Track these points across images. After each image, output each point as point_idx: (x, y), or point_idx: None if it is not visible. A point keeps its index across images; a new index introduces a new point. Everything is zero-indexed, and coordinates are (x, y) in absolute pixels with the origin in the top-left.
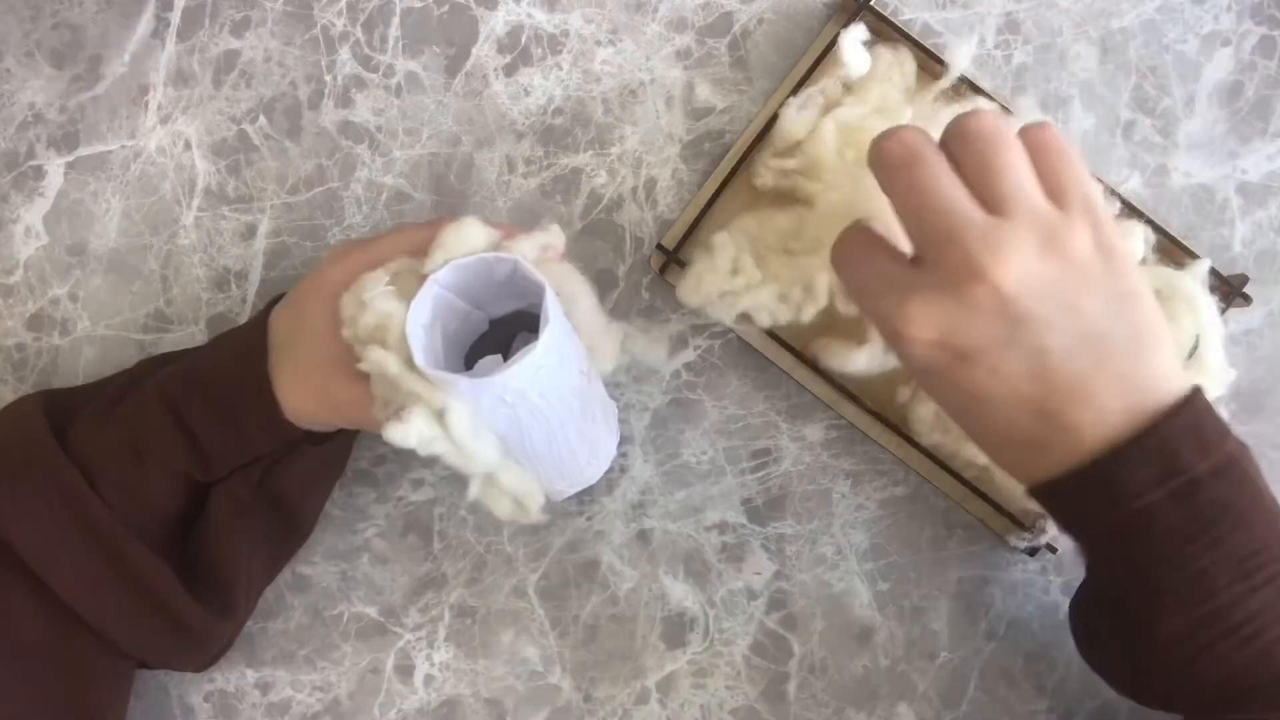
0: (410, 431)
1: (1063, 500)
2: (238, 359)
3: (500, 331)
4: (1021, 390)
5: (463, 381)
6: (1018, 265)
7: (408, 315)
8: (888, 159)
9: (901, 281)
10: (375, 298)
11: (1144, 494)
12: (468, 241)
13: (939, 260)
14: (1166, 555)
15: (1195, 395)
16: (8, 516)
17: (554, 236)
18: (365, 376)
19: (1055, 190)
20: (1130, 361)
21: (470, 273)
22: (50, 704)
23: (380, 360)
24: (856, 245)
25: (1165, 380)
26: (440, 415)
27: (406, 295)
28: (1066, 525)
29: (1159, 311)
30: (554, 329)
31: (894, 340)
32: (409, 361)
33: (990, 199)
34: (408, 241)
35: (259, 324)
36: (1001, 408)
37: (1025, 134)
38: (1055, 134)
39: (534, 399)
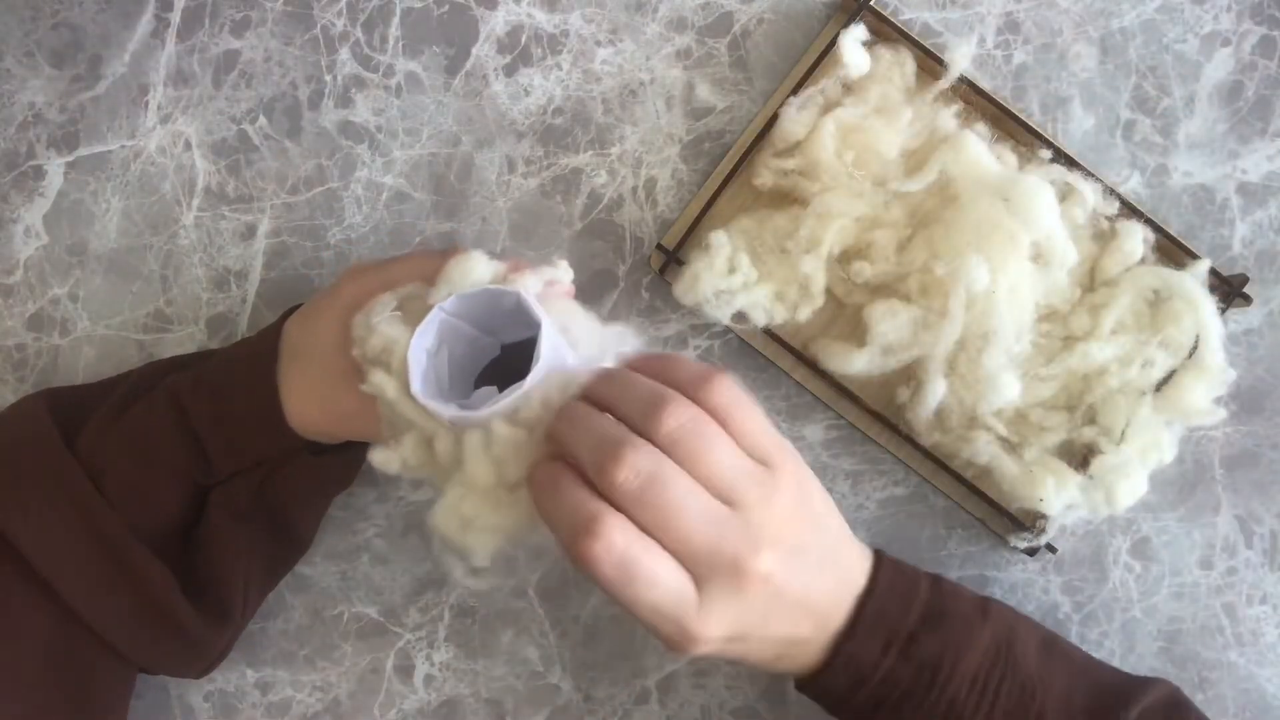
0: (393, 459)
1: (825, 689)
2: (248, 362)
3: (516, 355)
4: (781, 634)
5: (448, 412)
6: (768, 551)
7: (411, 342)
8: (625, 491)
9: (687, 595)
10: (382, 322)
11: (879, 664)
12: (471, 276)
13: (712, 569)
14: (916, 700)
15: (880, 559)
16: (14, 518)
17: (561, 272)
18: (370, 395)
19: (754, 449)
20: (835, 564)
21: (476, 302)
22: (52, 705)
23: (380, 384)
24: (625, 561)
25: (859, 562)
26: (430, 443)
27: (414, 320)
28: (835, 710)
29: (832, 506)
30: (542, 368)
31: (677, 647)
32: (406, 388)
33: (718, 491)
34: (422, 267)
35: (273, 331)
36: (766, 647)
37: (706, 401)
38: (728, 390)
39: None
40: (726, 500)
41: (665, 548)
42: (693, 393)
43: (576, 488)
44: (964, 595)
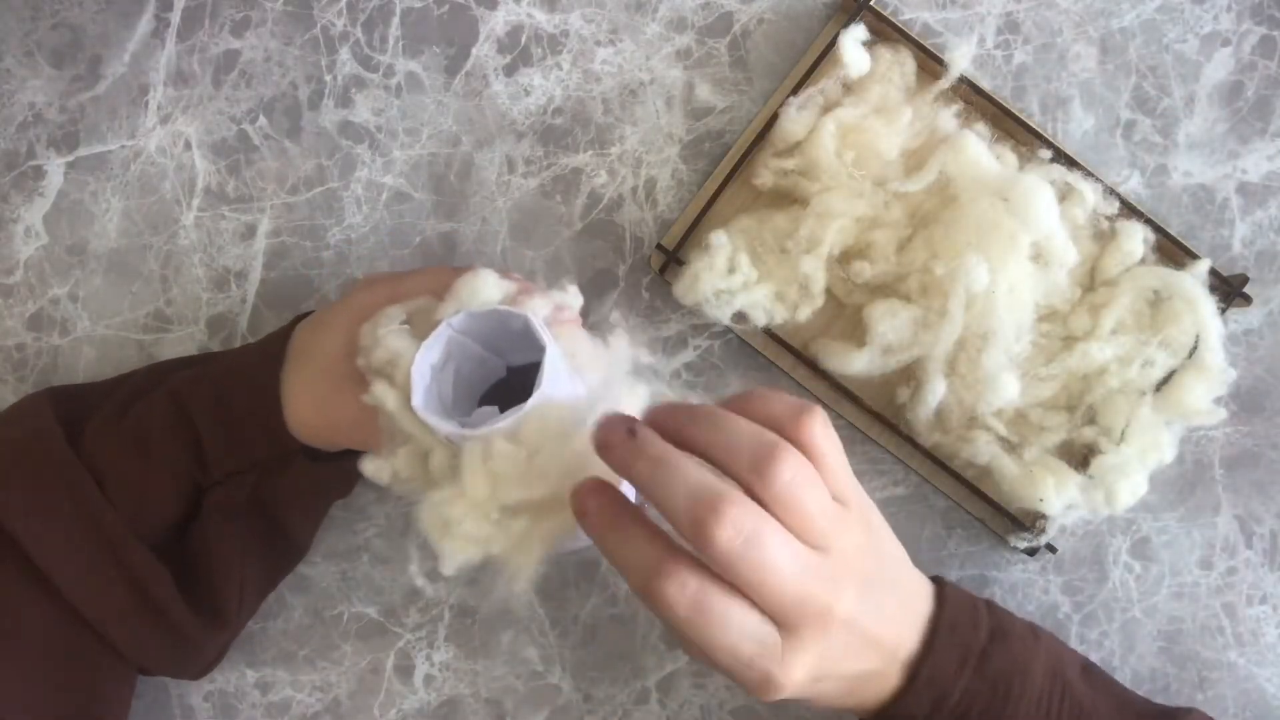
0: (385, 470)
1: (904, 715)
2: (253, 363)
3: (522, 378)
4: (855, 670)
5: (447, 428)
6: (850, 590)
7: (416, 356)
8: (725, 551)
9: (771, 642)
10: (389, 334)
11: (957, 682)
12: (480, 294)
13: (799, 617)
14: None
15: (941, 583)
16: (16, 514)
17: (570, 297)
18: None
19: (838, 490)
20: (901, 595)
21: (484, 322)
22: (54, 701)
23: (381, 396)
24: (700, 605)
25: (922, 587)
26: (425, 457)
27: (421, 334)
28: None
29: (893, 536)
30: (544, 392)
31: (760, 692)
32: (408, 401)
33: (810, 539)
34: (434, 282)
35: (282, 335)
36: (841, 685)
37: (805, 442)
38: (825, 430)
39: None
40: (817, 546)
41: (756, 604)
42: (792, 432)
43: (641, 524)
44: (1015, 617)
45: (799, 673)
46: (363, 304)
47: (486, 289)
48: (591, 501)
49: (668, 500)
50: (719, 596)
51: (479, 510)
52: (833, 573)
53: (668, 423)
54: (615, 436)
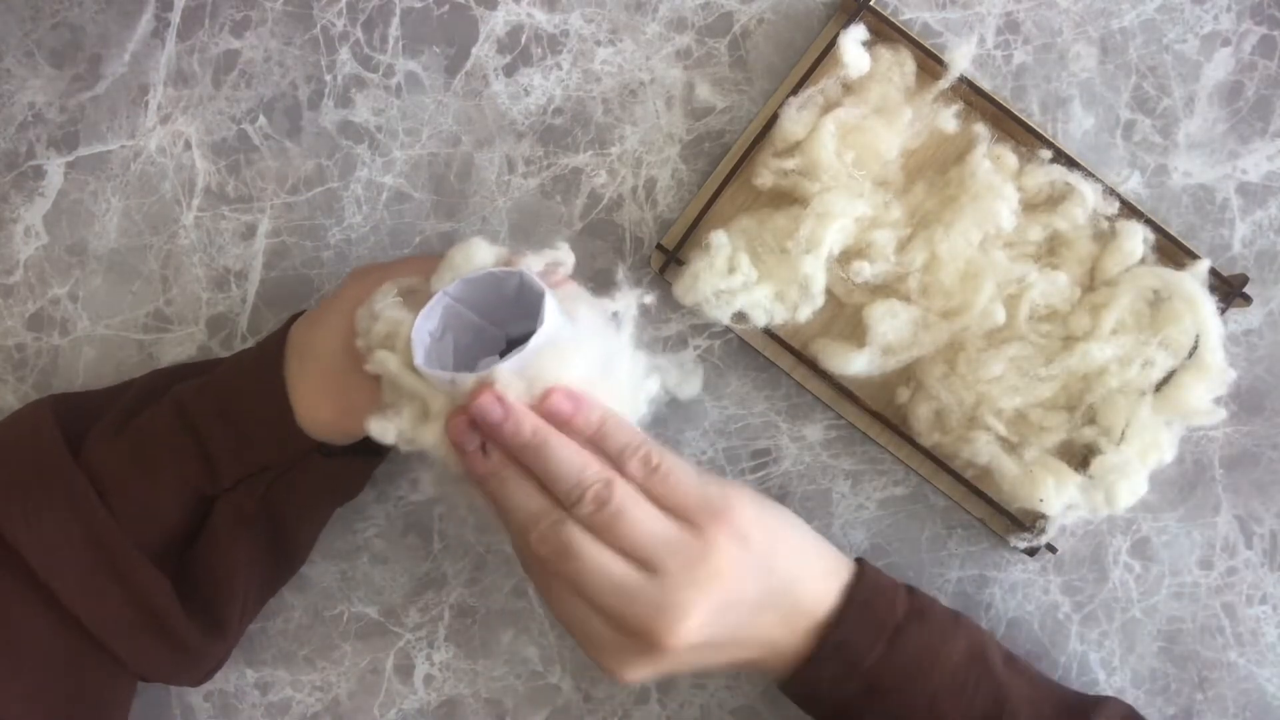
0: (390, 428)
1: (811, 681)
2: (255, 367)
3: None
4: (724, 664)
5: (449, 377)
6: (686, 619)
7: (414, 322)
8: (543, 562)
9: (606, 640)
10: (386, 307)
11: (870, 651)
12: (474, 259)
13: (632, 634)
14: (905, 692)
15: (862, 564)
16: (17, 523)
17: (563, 255)
18: (378, 384)
19: (681, 513)
20: (785, 601)
21: (480, 287)
22: (53, 708)
23: (383, 360)
24: (553, 583)
25: (825, 582)
26: (430, 416)
27: (416, 308)
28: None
29: (783, 540)
30: (546, 330)
31: (608, 677)
32: (410, 363)
33: (638, 560)
34: (424, 267)
35: (279, 336)
36: (716, 669)
37: (628, 469)
38: (651, 457)
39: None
40: (649, 568)
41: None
42: (616, 462)
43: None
44: (937, 603)
45: (634, 674)
46: (355, 295)
47: (480, 254)
48: (478, 467)
49: (505, 515)
50: (558, 583)
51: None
52: (660, 597)
53: (505, 441)
54: (469, 446)
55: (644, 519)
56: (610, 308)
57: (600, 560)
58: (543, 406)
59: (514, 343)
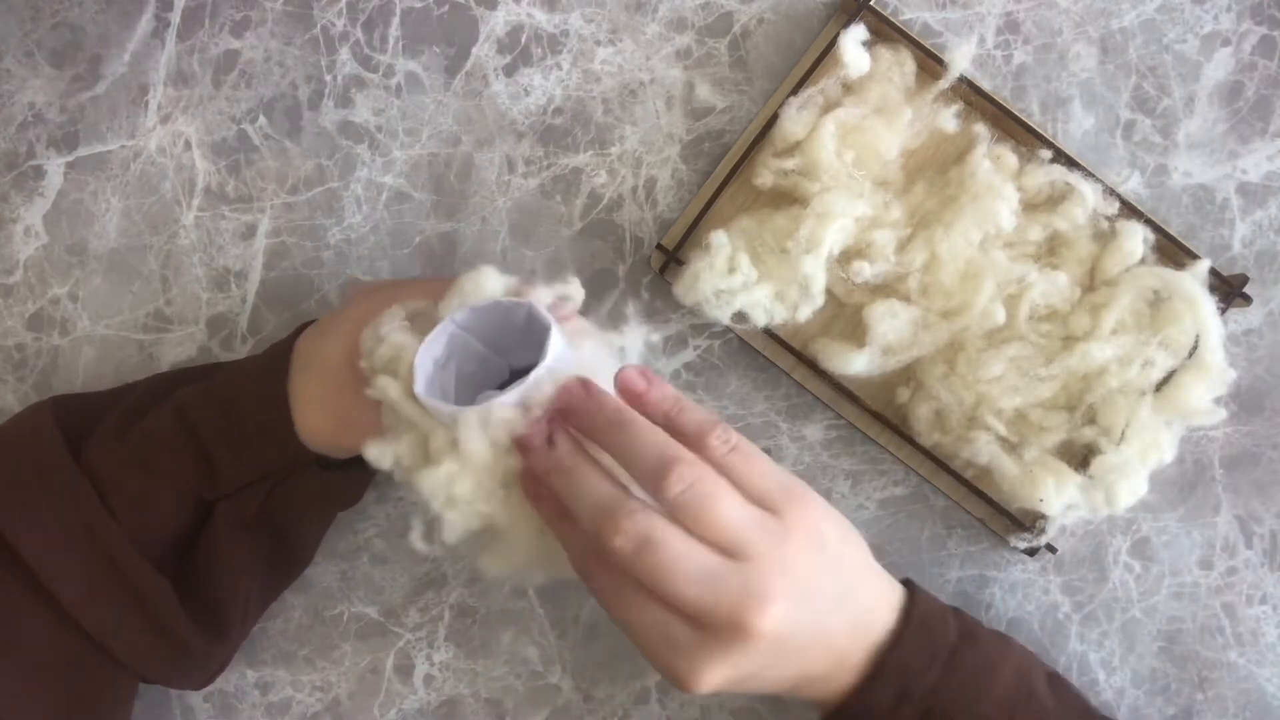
0: (388, 453)
1: (867, 704)
2: (259, 376)
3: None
4: (792, 673)
5: (449, 410)
6: (774, 604)
7: (419, 349)
8: (621, 556)
9: (682, 641)
10: (391, 331)
11: (928, 672)
12: (484, 288)
13: (709, 623)
14: (960, 716)
15: (912, 585)
16: (19, 527)
17: (573, 289)
18: (379, 404)
19: (761, 498)
20: (852, 603)
21: (486, 316)
22: (54, 711)
23: (384, 387)
24: (623, 586)
25: (885, 593)
26: (427, 443)
27: (422, 333)
28: None
29: (850, 542)
30: (549, 363)
31: (677, 687)
32: (410, 391)
33: (722, 546)
34: (433, 289)
35: (284, 346)
36: (779, 684)
37: (710, 453)
38: (730, 440)
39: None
40: (734, 554)
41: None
42: (696, 444)
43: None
44: (981, 623)
45: (712, 675)
46: (363, 311)
47: (490, 283)
48: (534, 486)
49: (577, 509)
50: (630, 586)
51: (478, 478)
52: (747, 582)
53: (587, 422)
54: (535, 441)
55: (731, 503)
56: (617, 343)
57: (685, 547)
58: (616, 382)
59: (517, 373)
